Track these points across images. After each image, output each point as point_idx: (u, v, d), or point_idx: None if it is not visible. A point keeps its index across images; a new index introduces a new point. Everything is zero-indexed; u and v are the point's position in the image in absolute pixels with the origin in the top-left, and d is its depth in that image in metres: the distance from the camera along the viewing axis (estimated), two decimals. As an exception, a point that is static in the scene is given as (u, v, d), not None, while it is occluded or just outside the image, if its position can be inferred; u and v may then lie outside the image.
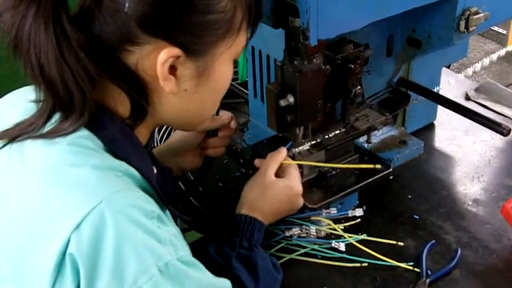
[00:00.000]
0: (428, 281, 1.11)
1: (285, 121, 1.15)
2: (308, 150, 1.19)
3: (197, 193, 1.26)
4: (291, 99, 1.12)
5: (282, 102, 1.12)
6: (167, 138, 1.53)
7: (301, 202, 1.14)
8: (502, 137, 1.30)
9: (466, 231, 1.24)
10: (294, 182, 1.13)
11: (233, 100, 1.67)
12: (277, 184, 1.12)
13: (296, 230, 1.19)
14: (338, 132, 1.22)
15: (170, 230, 0.80)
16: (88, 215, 0.73)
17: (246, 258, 1.02)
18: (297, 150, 1.18)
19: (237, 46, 0.89)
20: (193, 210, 1.30)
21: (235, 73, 1.66)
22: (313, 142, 1.19)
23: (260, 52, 1.38)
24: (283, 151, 1.16)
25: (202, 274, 0.83)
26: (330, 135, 1.21)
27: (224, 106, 1.68)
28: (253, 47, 1.40)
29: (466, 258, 1.17)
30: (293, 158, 1.18)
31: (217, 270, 0.89)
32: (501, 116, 1.60)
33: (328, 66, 1.13)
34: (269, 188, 1.11)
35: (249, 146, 1.42)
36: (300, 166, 1.21)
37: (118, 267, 0.72)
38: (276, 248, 1.18)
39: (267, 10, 1.03)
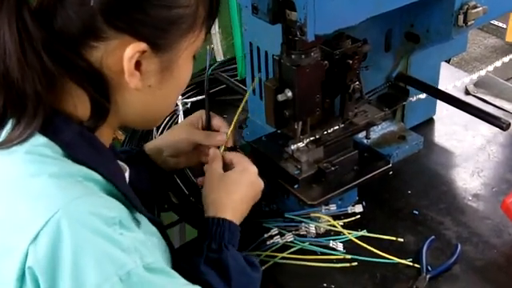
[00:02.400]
0: (428, 277, 1.10)
1: (283, 117, 1.15)
2: (306, 145, 1.19)
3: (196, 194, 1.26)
4: (289, 94, 1.11)
5: (280, 97, 1.11)
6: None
7: (260, 181, 1.11)
8: (501, 131, 1.29)
9: (466, 226, 1.23)
10: (244, 164, 1.11)
11: (231, 97, 1.67)
12: (231, 174, 1.10)
13: (289, 236, 1.18)
14: (336, 128, 1.22)
15: (135, 236, 0.78)
16: (44, 226, 0.72)
17: (215, 261, 0.97)
18: (295, 146, 1.17)
19: (199, 41, 0.89)
20: (188, 205, 1.30)
21: (234, 69, 1.67)
22: (311, 138, 1.19)
23: (258, 48, 1.38)
24: (215, 149, 1.15)
25: (170, 280, 0.81)
26: (329, 131, 1.21)
27: (223, 102, 1.69)
28: (251, 43, 1.39)
29: (466, 254, 1.16)
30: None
31: (187, 279, 0.85)
32: (500, 110, 1.60)
33: (326, 62, 1.12)
34: (225, 181, 1.08)
35: (247, 142, 1.42)
36: (299, 163, 1.20)
37: (76, 278, 0.71)
38: (276, 247, 1.17)
39: (264, 5, 1.02)
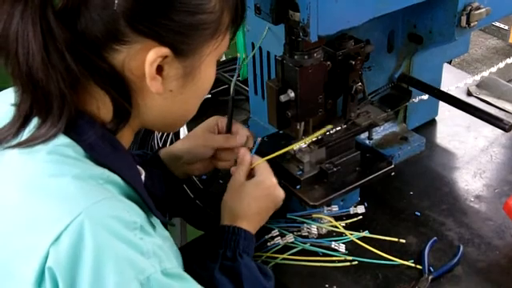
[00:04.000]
0: (430, 278, 1.10)
1: (285, 117, 1.15)
2: (308, 146, 1.19)
3: (203, 198, 1.25)
4: (292, 94, 1.11)
5: (283, 98, 1.11)
6: (167, 136, 1.53)
7: (280, 192, 1.11)
8: (503, 132, 1.29)
9: (468, 228, 1.23)
10: (263, 176, 1.10)
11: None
12: (248, 185, 1.09)
13: (290, 237, 1.18)
14: (339, 128, 1.22)
15: (154, 241, 0.78)
16: (67, 228, 0.71)
17: (229, 269, 0.99)
18: (297, 146, 1.17)
19: (222, 47, 0.88)
20: (193, 207, 1.30)
21: (235, 69, 1.66)
22: (314, 139, 1.19)
23: (260, 48, 1.38)
24: (246, 154, 1.14)
25: (186, 285, 0.82)
26: (331, 132, 1.21)
27: (225, 102, 1.68)
28: (253, 44, 1.39)
29: (469, 255, 1.16)
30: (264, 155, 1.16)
31: (199, 283, 0.86)
32: (502, 111, 1.60)
33: (329, 62, 1.12)
34: (242, 191, 1.09)
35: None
36: (301, 164, 1.20)
37: (97, 281, 0.71)
38: (277, 248, 1.17)
39: (267, 6, 1.02)
